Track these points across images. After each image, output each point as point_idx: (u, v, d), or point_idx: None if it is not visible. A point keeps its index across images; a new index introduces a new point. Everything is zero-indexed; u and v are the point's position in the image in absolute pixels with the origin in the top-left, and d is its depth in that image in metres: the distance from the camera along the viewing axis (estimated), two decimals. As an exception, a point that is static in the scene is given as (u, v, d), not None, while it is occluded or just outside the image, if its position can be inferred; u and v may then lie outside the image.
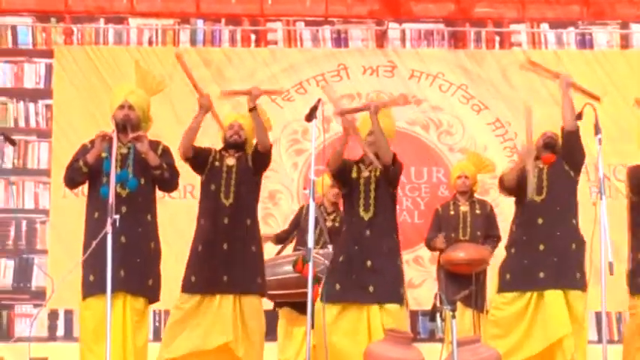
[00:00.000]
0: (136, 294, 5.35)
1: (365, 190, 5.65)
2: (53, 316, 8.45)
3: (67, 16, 8.85)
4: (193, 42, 8.92)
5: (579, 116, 5.55)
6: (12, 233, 8.62)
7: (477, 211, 7.36)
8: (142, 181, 5.41)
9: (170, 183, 5.55)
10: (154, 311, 7.79)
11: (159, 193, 5.60)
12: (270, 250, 7.03)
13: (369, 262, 5.53)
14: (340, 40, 8.99)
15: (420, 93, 8.82)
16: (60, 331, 8.46)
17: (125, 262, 5.22)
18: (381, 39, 8.99)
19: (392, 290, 5.54)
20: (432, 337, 8.30)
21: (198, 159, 5.75)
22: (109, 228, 4.85)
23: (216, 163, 5.77)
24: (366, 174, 5.69)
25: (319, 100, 5.27)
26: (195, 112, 5.73)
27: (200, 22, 8.98)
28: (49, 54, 8.79)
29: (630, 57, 8.94)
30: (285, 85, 8.70)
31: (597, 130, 5.38)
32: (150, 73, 5.76)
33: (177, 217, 7.37)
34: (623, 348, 5.95)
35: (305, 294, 5.16)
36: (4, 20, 8.87)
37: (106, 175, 5.14)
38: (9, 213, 8.66)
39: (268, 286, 5.96)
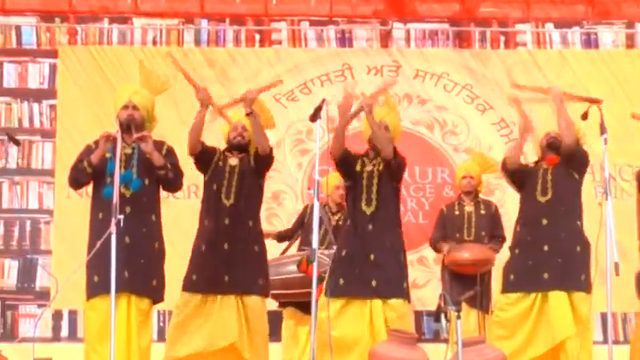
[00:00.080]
0: (141, 294, 5.34)
1: (368, 184, 5.67)
2: (57, 316, 8.44)
3: (72, 16, 8.85)
4: (197, 42, 8.92)
5: (585, 116, 5.53)
6: (16, 233, 8.62)
7: (482, 212, 7.36)
8: (146, 181, 5.40)
9: (174, 183, 5.54)
10: (158, 311, 7.78)
11: (163, 194, 5.60)
12: (274, 249, 7.02)
13: (372, 257, 5.55)
14: (345, 40, 8.98)
15: (424, 93, 8.81)
16: (64, 332, 8.45)
17: (129, 263, 5.20)
18: (385, 39, 8.97)
19: (395, 285, 5.55)
20: (436, 337, 8.28)
21: (205, 156, 5.75)
22: (113, 228, 4.84)
23: (220, 164, 5.77)
24: (369, 168, 5.70)
25: (323, 100, 5.26)
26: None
27: (204, 22, 8.98)
28: (53, 54, 8.79)
29: (636, 57, 8.92)
30: (290, 85, 8.70)
31: (603, 130, 5.37)
32: (154, 73, 5.75)
33: (182, 218, 7.35)
34: (630, 349, 5.94)
35: (309, 294, 5.16)
36: (8, 20, 8.87)
37: (110, 175, 5.13)
38: (13, 213, 8.66)
39: (272, 286, 5.95)
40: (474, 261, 7.02)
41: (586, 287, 5.67)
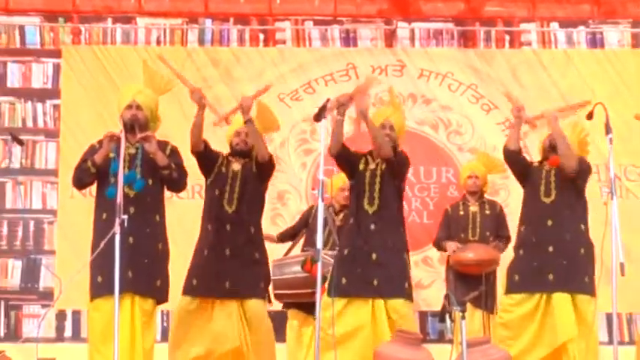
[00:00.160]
0: (144, 295, 5.33)
1: (370, 182, 5.66)
2: (61, 316, 8.43)
3: (75, 15, 8.84)
4: (201, 42, 8.90)
5: (590, 116, 5.50)
6: (20, 233, 8.61)
7: (487, 212, 7.34)
8: (150, 181, 5.40)
9: (178, 183, 5.53)
10: (162, 312, 7.77)
11: (167, 194, 5.58)
12: (278, 250, 7.00)
13: (374, 256, 5.55)
14: (349, 40, 8.96)
15: (429, 92, 8.79)
16: (68, 332, 8.44)
17: (133, 263, 5.20)
18: (390, 38, 8.95)
19: (396, 285, 5.54)
20: (441, 338, 8.25)
21: (208, 157, 5.74)
22: (117, 228, 4.83)
23: (223, 169, 5.77)
24: (372, 166, 5.69)
25: (328, 100, 5.26)
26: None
27: (208, 22, 8.96)
28: (56, 54, 8.78)
29: (641, 56, 8.90)
30: (294, 84, 8.69)
31: (608, 130, 5.35)
32: (158, 73, 5.75)
33: (185, 218, 7.32)
34: (636, 350, 5.92)
35: (313, 294, 5.14)
36: (11, 20, 8.86)
37: (114, 175, 5.12)
38: (17, 213, 8.65)
39: (276, 286, 5.94)
40: (478, 261, 7.00)
41: (590, 290, 5.66)
